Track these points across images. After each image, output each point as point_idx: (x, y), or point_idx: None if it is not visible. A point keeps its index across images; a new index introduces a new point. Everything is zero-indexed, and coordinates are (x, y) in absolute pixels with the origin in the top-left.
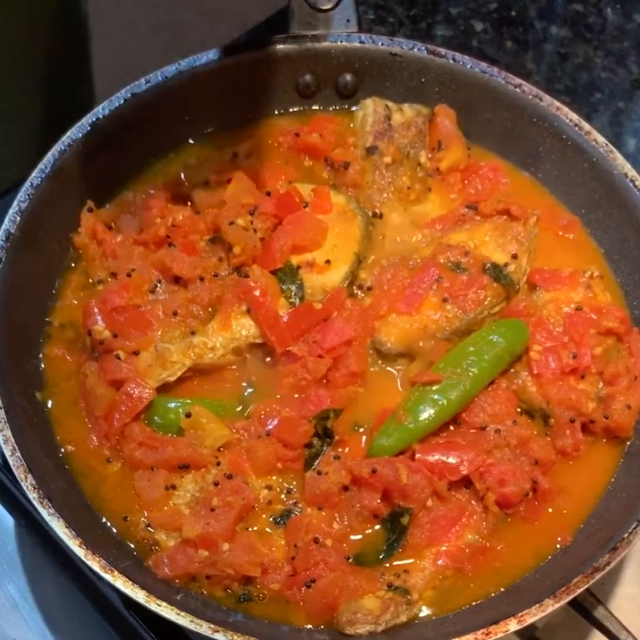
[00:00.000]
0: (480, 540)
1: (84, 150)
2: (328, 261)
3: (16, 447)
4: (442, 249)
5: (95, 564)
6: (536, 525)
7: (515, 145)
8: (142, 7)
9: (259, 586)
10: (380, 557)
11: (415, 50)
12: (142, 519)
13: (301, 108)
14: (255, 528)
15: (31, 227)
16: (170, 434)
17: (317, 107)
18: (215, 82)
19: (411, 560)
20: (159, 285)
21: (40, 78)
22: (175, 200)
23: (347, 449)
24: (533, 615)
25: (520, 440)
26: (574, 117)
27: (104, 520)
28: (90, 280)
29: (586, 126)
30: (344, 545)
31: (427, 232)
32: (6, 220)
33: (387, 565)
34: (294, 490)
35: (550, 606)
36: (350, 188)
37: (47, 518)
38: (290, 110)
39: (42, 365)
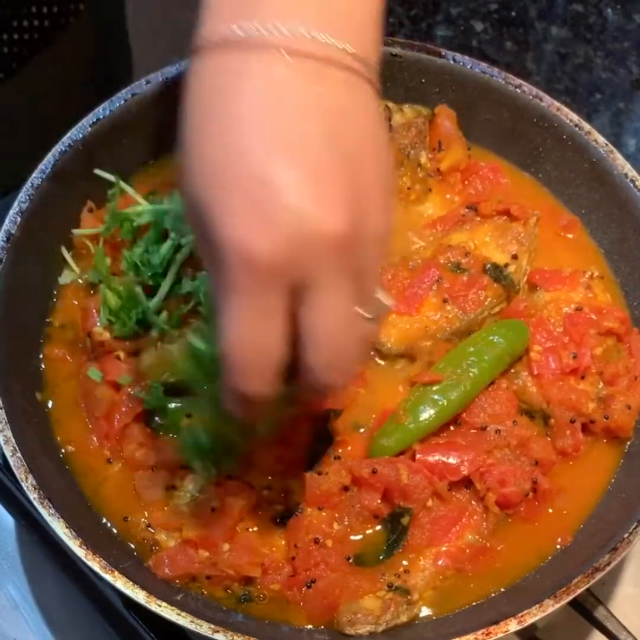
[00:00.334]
0: (480, 540)
1: (84, 151)
2: None
3: (17, 448)
4: (443, 250)
5: (95, 564)
6: (536, 526)
7: (515, 145)
8: (142, 7)
9: (259, 586)
10: (381, 557)
11: (415, 50)
12: (143, 519)
13: None
14: (255, 528)
15: (31, 227)
16: (170, 434)
17: None
18: None
19: (411, 561)
20: None
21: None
22: None
23: (348, 448)
24: (533, 616)
25: (520, 441)
26: (574, 117)
27: (104, 520)
28: (91, 281)
29: (586, 126)
30: (344, 545)
31: (427, 232)
32: (6, 221)
33: (388, 565)
34: (294, 490)
35: (551, 606)
36: None
37: (48, 518)
38: None
39: (42, 366)
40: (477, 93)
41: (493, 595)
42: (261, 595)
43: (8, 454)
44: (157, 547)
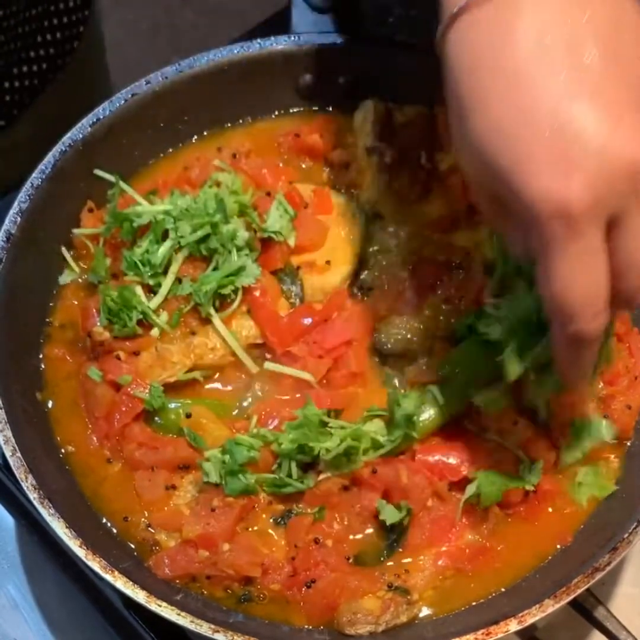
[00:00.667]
0: (480, 540)
1: (84, 150)
2: (328, 262)
3: (16, 448)
4: (442, 250)
5: (95, 564)
6: (536, 526)
7: None
8: (142, 7)
9: (259, 586)
10: (381, 557)
11: (415, 51)
12: (143, 519)
13: (301, 108)
14: (255, 528)
15: (31, 227)
16: (170, 435)
17: (317, 108)
18: (215, 82)
19: (411, 560)
20: None
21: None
22: None
23: None
24: (533, 616)
25: (520, 441)
26: None
27: (104, 520)
28: (90, 281)
29: None
30: (344, 545)
31: (428, 232)
32: (6, 221)
33: (388, 565)
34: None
35: (551, 606)
36: (350, 188)
37: (48, 518)
38: (290, 110)
39: (42, 366)
40: None
41: (493, 595)
42: (261, 595)
43: (8, 454)
44: (157, 547)
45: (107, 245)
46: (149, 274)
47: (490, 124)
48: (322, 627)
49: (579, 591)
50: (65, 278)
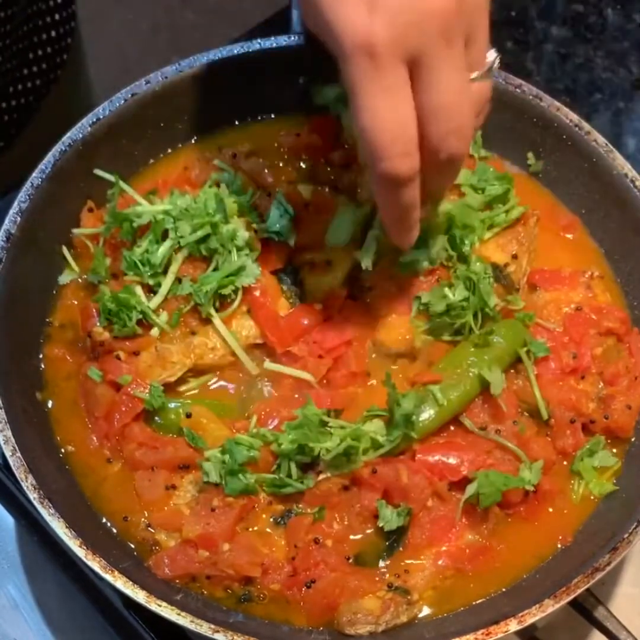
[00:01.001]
0: (480, 540)
1: (84, 150)
2: (328, 262)
3: (16, 448)
4: (443, 250)
5: (95, 564)
6: (536, 526)
7: (515, 145)
8: (142, 7)
9: (259, 586)
10: (381, 557)
11: None
12: (143, 519)
13: (301, 108)
14: (255, 528)
15: (31, 227)
16: (170, 434)
17: (317, 108)
18: (215, 82)
19: (411, 561)
20: None
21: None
22: None
23: None
24: (533, 616)
25: (520, 441)
26: (574, 117)
27: (104, 520)
28: (90, 281)
29: (586, 126)
30: (344, 545)
31: None
32: (6, 221)
33: (388, 565)
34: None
35: (551, 606)
36: (350, 188)
37: (48, 518)
38: (290, 110)
39: (42, 366)
40: None
41: (493, 595)
42: (261, 595)
43: (8, 454)
44: (157, 547)
45: (107, 245)
46: (149, 274)
47: None
48: (322, 627)
49: (579, 591)
50: (65, 278)
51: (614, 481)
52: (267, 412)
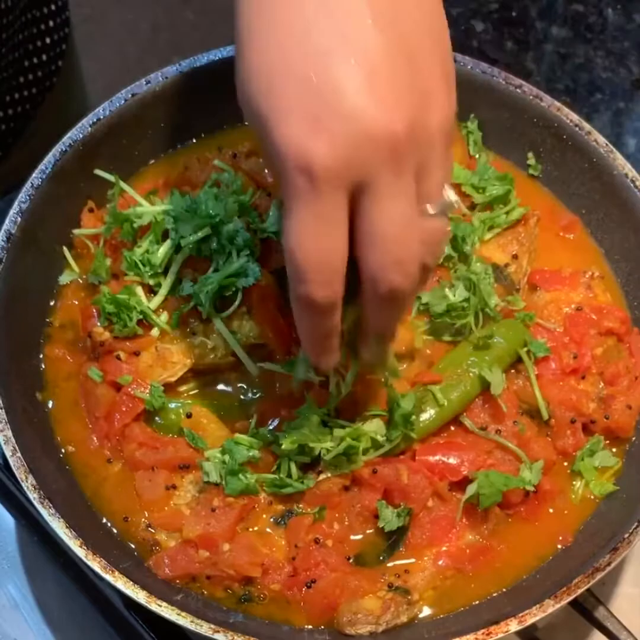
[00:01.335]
0: (480, 540)
1: (84, 151)
2: None
3: (17, 448)
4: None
5: (95, 564)
6: (537, 526)
7: (515, 145)
8: (142, 7)
9: (259, 586)
10: (381, 557)
11: None
12: (143, 519)
13: None
14: (255, 528)
15: (31, 227)
16: (170, 435)
17: None
18: (216, 83)
19: (412, 561)
20: None
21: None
22: None
23: None
24: (533, 616)
25: (520, 441)
26: (574, 117)
27: (104, 520)
28: (91, 281)
29: (586, 126)
30: (345, 545)
31: None
32: (7, 221)
33: (388, 565)
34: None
35: (551, 606)
36: None
37: (48, 518)
38: None
39: (42, 366)
40: (478, 93)
41: (493, 595)
42: (261, 595)
43: (8, 454)
44: (157, 547)
45: (107, 246)
46: (149, 274)
47: (251, 70)
48: (322, 627)
49: (579, 591)
50: (65, 278)
51: (614, 481)
52: (267, 412)
